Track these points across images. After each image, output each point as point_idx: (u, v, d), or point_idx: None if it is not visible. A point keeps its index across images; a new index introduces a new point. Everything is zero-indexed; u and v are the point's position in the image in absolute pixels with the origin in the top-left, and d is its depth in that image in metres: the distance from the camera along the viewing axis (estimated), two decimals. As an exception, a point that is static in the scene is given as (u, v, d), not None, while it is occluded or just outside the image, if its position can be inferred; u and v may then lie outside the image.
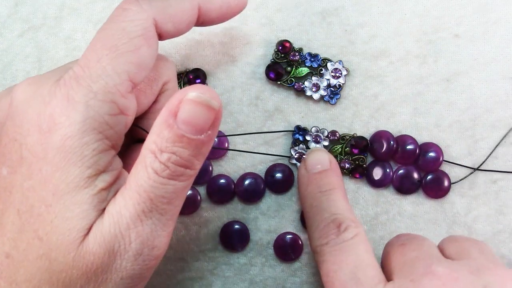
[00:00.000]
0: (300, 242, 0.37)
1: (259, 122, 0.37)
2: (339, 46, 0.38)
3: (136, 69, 0.28)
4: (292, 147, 0.37)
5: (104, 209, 0.27)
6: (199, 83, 0.37)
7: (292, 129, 0.37)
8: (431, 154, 0.36)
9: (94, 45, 0.28)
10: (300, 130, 0.37)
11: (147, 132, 0.30)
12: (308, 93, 0.37)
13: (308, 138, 0.36)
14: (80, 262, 0.26)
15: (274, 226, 0.37)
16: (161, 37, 0.30)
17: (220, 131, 0.37)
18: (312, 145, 0.36)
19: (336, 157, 0.36)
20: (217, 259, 0.37)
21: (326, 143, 0.37)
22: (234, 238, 0.37)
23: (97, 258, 0.26)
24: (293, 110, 0.37)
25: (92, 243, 0.26)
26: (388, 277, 0.30)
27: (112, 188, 0.27)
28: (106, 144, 0.27)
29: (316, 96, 0.37)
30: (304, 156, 0.36)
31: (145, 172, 0.26)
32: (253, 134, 0.37)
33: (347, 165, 0.36)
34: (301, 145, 0.37)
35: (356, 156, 0.36)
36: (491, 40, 0.37)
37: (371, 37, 0.38)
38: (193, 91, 0.26)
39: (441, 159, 0.36)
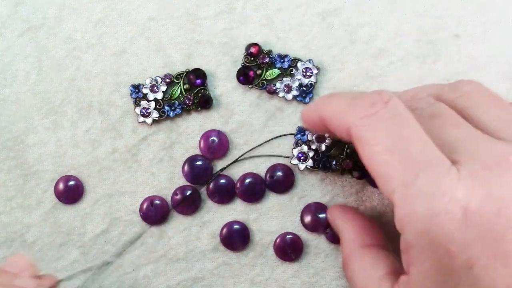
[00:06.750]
0: (300, 242, 0.36)
1: (260, 122, 0.37)
2: (339, 46, 0.38)
3: None
4: (294, 147, 0.37)
5: None
6: (199, 83, 0.37)
7: (294, 130, 0.37)
8: None
9: None
10: (302, 131, 0.37)
11: None
12: (281, 94, 0.37)
13: (310, 137, 0.36)
14: None
15: (275, 226, 0.37)
16: None
17: (221, 132, 0.37)
18: (314, 144, 0.36)
19: (337, 157, 0.36)
20: (217, 259, 0.37)
21: (328, 142, 0.36)
22: (235, 239, 0.37)
23: None
24: (294, 110, 0.37)
25: None
26: None
27: None
28: None
29: (288, 96, 0.37)
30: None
31: None
32: (254, 133, 0.37)
33: (348, 165, 0.36)
34: (303, 145, 0.36)
35: (357, 156, 0.36)
36: (491, 40, 0.37)
37: (371, 37, 0.38)
38: None
39: None
